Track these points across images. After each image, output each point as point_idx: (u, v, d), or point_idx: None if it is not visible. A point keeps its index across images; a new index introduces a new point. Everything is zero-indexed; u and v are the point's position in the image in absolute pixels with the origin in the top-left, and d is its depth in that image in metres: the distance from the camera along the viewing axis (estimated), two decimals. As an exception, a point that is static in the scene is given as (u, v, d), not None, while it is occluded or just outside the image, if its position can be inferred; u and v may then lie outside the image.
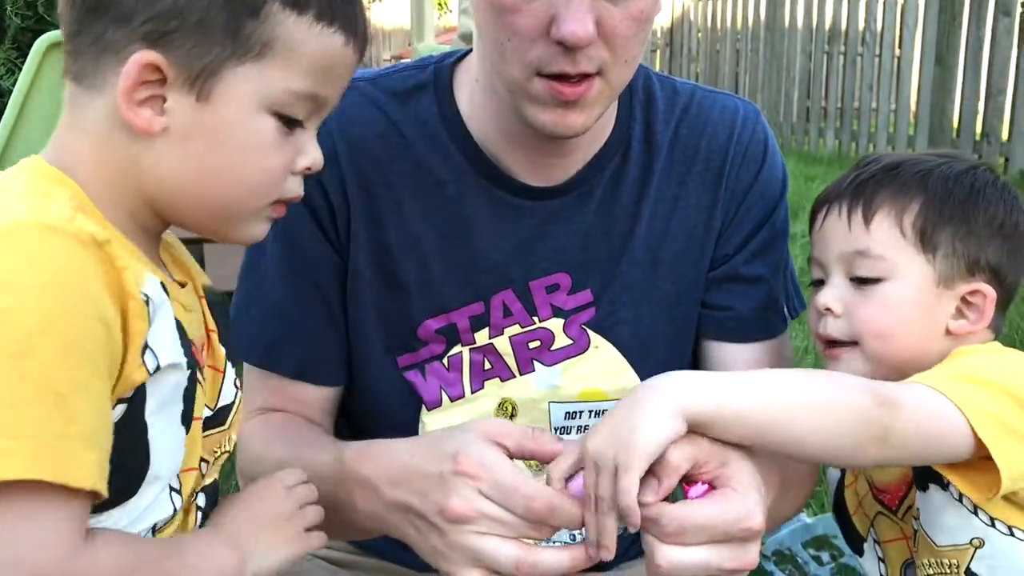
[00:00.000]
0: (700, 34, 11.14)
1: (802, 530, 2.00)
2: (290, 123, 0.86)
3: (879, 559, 1.22)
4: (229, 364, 0.96)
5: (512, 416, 1.19)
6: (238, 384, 0.97)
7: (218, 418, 0.92)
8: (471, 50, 1.17)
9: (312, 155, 0.89)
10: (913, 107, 8.23)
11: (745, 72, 10.35)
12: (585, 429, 1.20)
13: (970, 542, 1.06)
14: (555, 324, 1.18)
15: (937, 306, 1.10)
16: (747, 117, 1.24)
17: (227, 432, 0.95)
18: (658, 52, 11.42)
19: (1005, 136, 7.20)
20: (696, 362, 1.27)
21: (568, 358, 1.19)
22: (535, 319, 1.18)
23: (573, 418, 1.21)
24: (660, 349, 1.23)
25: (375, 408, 1.22)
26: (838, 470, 1.26)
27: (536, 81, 1.02)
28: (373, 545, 1.29)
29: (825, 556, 1.97)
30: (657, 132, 1.20)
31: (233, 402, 0.95)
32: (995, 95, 7.26)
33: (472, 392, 1.19)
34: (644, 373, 1.19)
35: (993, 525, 1.04)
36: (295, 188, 0.89)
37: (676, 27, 11.23)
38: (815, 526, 2.01)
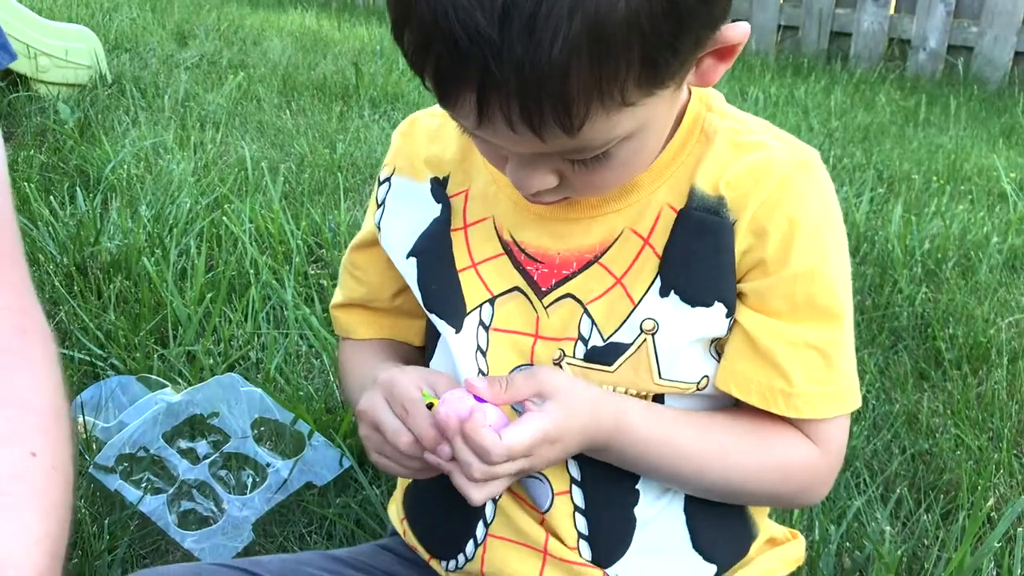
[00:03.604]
0: None
1: (166, 415, 1.32)
2: None
3: (480, 351, 0.85)
4: None
5: None
6: None
7: None
8: None
9: None
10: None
11: None
12: None
13: (698, 382, 0.82)
14: None
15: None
16: None
17: None
18: None
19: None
20: None
21: None
22: None
23: None
24: None
25: None
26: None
27: None
28: None
29: (202, 446, 1.32)
30: None
31: None
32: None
33: None
34: None
35: (718, 360, 0.83)
36: None
37: None
38: (185, 405, 1.35)
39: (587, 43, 0.59)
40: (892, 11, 5.11)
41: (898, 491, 1.40)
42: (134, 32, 4.88)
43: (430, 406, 0.75)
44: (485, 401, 0.74)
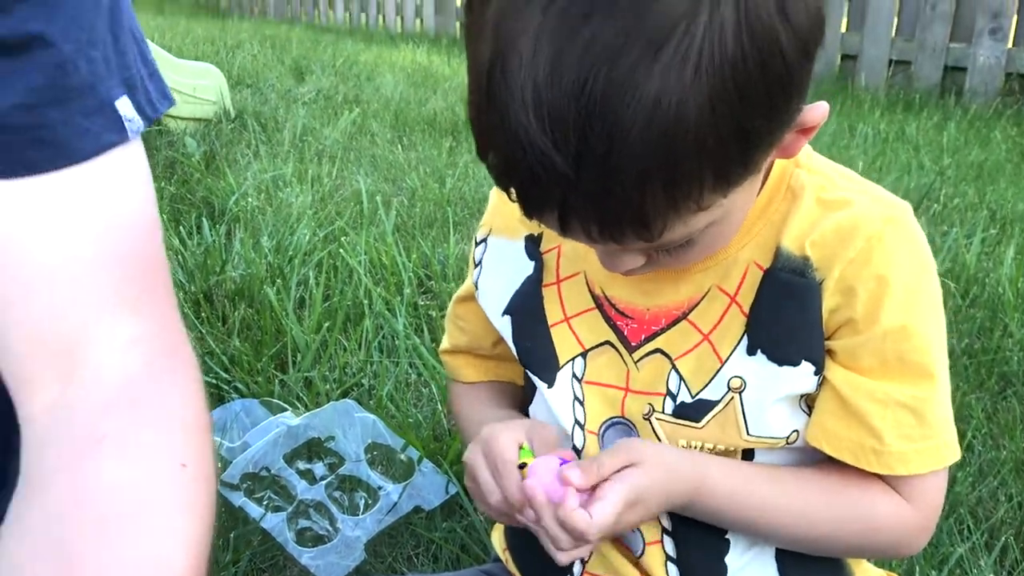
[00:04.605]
0: None
1: (286, 437, 1.41)
2: None
3: (577, 400, 0.87)
4: None
5: None
6: None
7: None
8: None
9: None
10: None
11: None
12: None
13: (787, 437, 0.83)
14: None
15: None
16: None
17: None
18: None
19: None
20: None
21: None
22: None
23: None
24: None
25: None
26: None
27: None
28: None
29: (319, 468, 1.40)
30: None
31: None
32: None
33: None
34: None
35: (808, 414, 0.83)
36: None
37: None
38: (304, 428, 1.43)
39: (658, 174, 0.61)
40: (1010, 44, 4.97)
41: (1003, 539, 1.38)
42: (255, 68, 5.11)
43: (523, 466, 0.79)
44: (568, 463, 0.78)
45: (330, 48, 6.00)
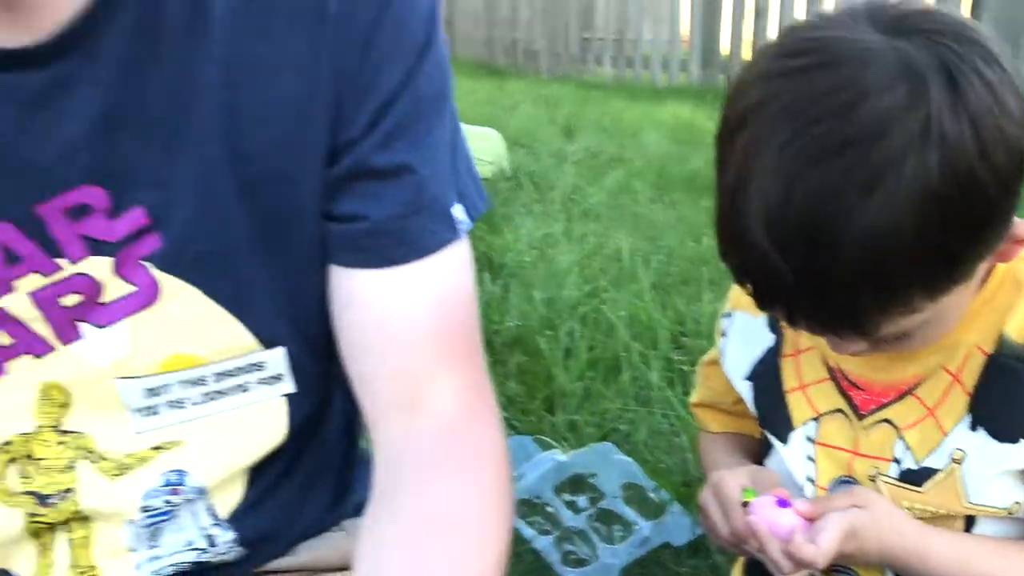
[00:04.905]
0: (476, -36, 10.73)
1: (555, 471, 1.64)
2: None
3: (809, 459, 0.99)
4: None
5: (65, 405, 0.84)
6: None
7: None
8: None
9: None
10: (686, 35, 8.17)
11: (526, 4, 10.10)
12: (178, 405, 0.85)
13: (1009, 508, 0.90)
14: (98, 265, 0.79)
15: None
16: None
17: None
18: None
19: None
20: (332, 298, 0.90)
21: (132, 313, 0.81)
22: (62, 262, 0.79)
23: (157, 394, 0.85)
24: (265, 287, 0.86)
25: None
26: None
27: None
28: None
29: (582, 500, 1.62)
30: None
31: None
32: (760, 16, 7.23)
33: None
34: (251, 321, 0.84)
35: None
36: None
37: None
38: (570, 464, 1.66)
39: (869, 288, 0.74)
40: None
41: None
42: (529, 128, 5.49)
43: (746, 504, 0.95)
44: (788, 502, 0.92)
45: (597, 106, 6.31)
